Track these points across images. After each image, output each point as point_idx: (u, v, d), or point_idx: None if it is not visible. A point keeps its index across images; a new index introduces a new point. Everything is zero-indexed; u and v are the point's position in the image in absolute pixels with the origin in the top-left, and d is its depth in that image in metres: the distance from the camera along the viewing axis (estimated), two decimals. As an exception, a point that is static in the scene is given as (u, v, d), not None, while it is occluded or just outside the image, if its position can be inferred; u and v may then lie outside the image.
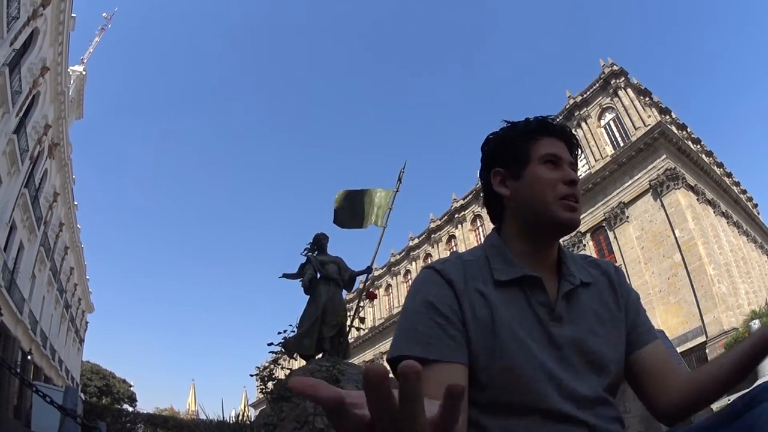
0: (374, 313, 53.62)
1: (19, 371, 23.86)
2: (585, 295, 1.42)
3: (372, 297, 8.25)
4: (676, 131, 35.09)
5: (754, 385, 1.09)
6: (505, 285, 1.36)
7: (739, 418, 0.93)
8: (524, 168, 1.45)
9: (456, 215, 46.31)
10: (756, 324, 10.77)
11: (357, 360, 45.94)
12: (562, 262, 1.47)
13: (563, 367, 1.29)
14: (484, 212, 42.66)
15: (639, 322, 1.47)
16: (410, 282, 43.12)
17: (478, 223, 43.83)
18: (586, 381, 1.30)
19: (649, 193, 31.95)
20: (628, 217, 32.83)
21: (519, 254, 1.43)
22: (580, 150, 1.54)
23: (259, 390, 6.57)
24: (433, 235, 49.41)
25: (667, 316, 28.63)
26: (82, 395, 32.87)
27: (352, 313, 9.17)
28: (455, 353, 1.24)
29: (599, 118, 36.33)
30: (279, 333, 6.71)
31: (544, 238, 1.44)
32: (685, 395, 1.33)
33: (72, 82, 34.35)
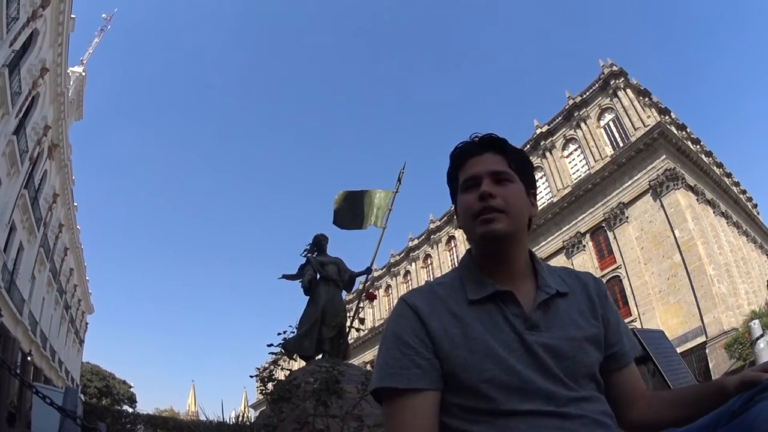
0: (374, 313, 53.78)
1: (19, 372, 23.89)
2: (562, 305, 1.48)
3: (372, 298, 8.29)
4: (675, 131, 35.16)
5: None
6: (479, 303, 1.43)
7: (737, 417, 0.94)
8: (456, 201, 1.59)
9: (456, 216, 46.23)
10: (756, 324, 10.71)
11: (357, 361, 46.01)
12: (537, 273, 1.53)
13: (541, 372, 1.34)
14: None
15: (617, 341, 1.53)
16: (410, 283, 43.35)
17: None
18: (566, 384, 1.35)
19: (649, 194, 32.00)
20: (627, 217, 32.87)
21: (488, 272, 1.49)
22: (507, 148, 1.58)
23: (259, 391, 6.57)
24: (432, 236, 49.48)
25: (667, 317, 28.68)
26: (82, 396, 32.94)
27: (351, 314, 9.19)
28: (422, 380, 1.34)
29: (599, 119, 36.35)
30: (279, 334, 6.71)
31: (489, 254, 1.50)
32: (643, 418, 1.47)
33: (71, 83, 34.38)
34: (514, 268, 1.50)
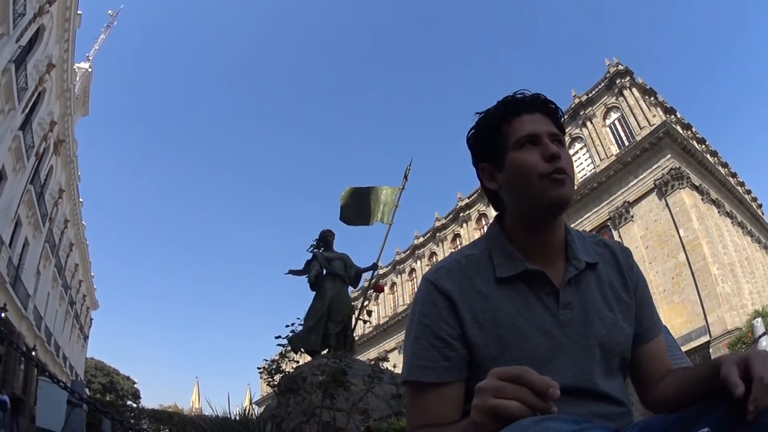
0: (379, 311, 53.60)
1: (23, 367, 23.97)
2: (592, 278, 1.43)
3: (379, 290, 8.35)
4: (681, 131, 35.03)
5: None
6: (509, 281, 1.37)
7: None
8: (504, 157, 1.41)
9: (461, 214, 46.26)
10: (759, 323, 10.74)
11: (362, 358, 45.88)
12: (568, 244, 1.44)
13: (575, 352, 1.32)
14: (489, 211, 43.01)
15: (645, 316, 1.48)
16: (415, 281, 43.08)
17: (483, 222, 43.69)
18: (597, 362, 1.33)
19: (654, 193, 31.91)
20: (632, 216, 32.80)
21: (521, 244, 1.41)
22: (561, 114, 1.49)
23: (266, 383, 6.60)
24: (438, 234, 49.44)
25: (671, 316, 28.61)
26: (87, 391, 32.95)
27: (358, 306, 9.24)
28: (450, 373, 1.31)
29: (604, 118, 36.24)
30: (287, 326, 6.76)
31: (542, 222, 1.40)
32: (663, 393, 1.35)
33: (78, 79, 34.37)
34: (552, 239, 1.43)
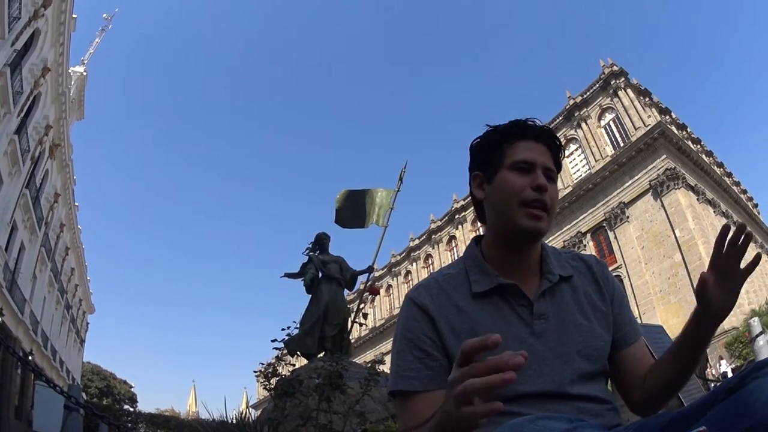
0: (375, 313, 53.58)
1: (20, 372, 23.90)
2: (567, 290, 1.50)
3: (375, 292, 8.33)
4: (676, 131, 35.15)
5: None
6: (484, 295, 1.44)
7: (733, 394, 0.96)
8: (496, 172, 1.48)
9: (456, 216, 46.30)
10: (756, 322, 10.73)
11: (358, 360, 45.94)
12: (543, 260, 1.52)
13: (551, 359, 1.37)
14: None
15: (623, 322, 1.54)
16: (411, 283, 43.11)
17: (479, 224, 43.61)
18: (576, 368, 1.38)
19: (649, 193, 32.01)
20: (628, 217, 32.87)
21: (496, 260, 1.49)
22: (563, 152, 1.60)
23: (263, 386, 6.58)
24: (433, 236, 49.44)
25: (668, 316, 28.65)
26: (84, 395, 32.78)
27: (354, 309, 9.23)
28: (434, 382, 1.35)
29: (599, 119, 36.34)
30: (282, 329, 6.73)
31: (513, 244, 1.47)
32: (648, 385, 1.42)
33: (73, 82, 34.26)
34: (527, 260, 1.49)
